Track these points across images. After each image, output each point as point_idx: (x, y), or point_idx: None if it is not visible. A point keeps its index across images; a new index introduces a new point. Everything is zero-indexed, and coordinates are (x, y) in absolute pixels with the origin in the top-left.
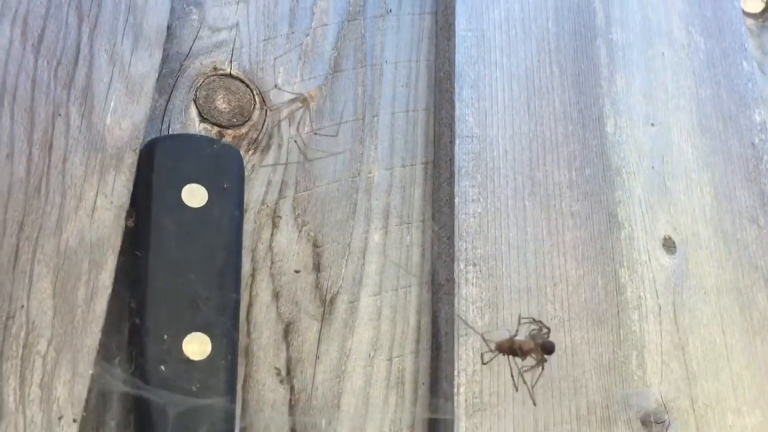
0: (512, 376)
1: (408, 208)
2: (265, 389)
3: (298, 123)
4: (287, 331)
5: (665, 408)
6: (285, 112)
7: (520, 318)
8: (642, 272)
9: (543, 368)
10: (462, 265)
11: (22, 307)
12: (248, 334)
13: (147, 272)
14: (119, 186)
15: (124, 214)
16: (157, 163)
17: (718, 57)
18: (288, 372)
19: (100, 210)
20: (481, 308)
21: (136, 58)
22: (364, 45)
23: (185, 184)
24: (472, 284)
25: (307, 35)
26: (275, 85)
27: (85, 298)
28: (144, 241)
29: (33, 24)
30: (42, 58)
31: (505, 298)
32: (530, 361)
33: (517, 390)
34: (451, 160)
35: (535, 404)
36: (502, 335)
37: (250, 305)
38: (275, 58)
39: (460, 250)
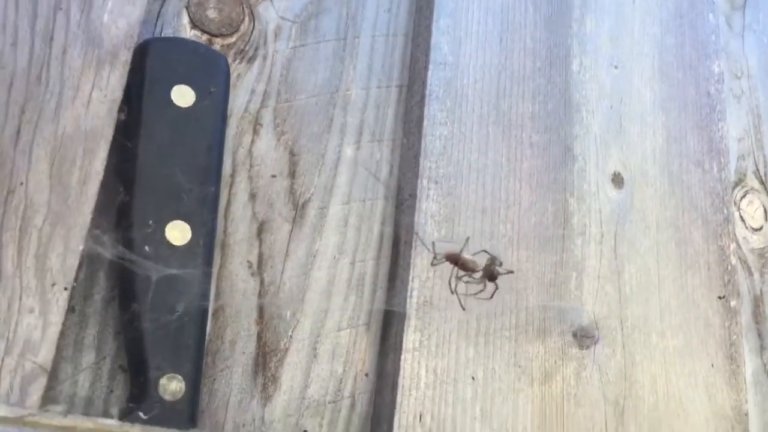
0: (449, 281)
1: (380, 126)
2: (238, 279)
3: (284, 37)
4: (261, 229)
5: (596, 325)
6: (272, 27)
7: (467, 240)
8: (590, 203)
9: (485, 287)
10: (425, 182)
11: (21, 183)
12: (225, 229)
13: (136, 162)
14: (113, 81)
15: (116, 108)
16: (150, 63)
17: (686, 8)
18: (259, 266)
19: (95, 102)
20: (438, 222)
21: None
22: None
23: (175, 84)
24: (433, 200)
25: None
26: None
27: (78, 182)
28: (134, 134)
29: None
30: None
31: (461, 216)
32: (475, 278)
33: (452, 293)
34: (424, 83)
35: (464, 309)
36: (454, 248)
37: (228, 203)
38: None
39: (424, 168)
